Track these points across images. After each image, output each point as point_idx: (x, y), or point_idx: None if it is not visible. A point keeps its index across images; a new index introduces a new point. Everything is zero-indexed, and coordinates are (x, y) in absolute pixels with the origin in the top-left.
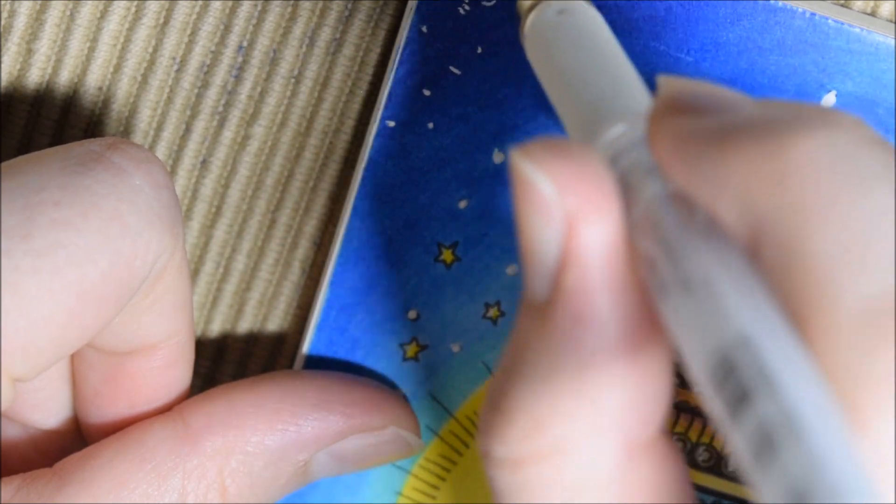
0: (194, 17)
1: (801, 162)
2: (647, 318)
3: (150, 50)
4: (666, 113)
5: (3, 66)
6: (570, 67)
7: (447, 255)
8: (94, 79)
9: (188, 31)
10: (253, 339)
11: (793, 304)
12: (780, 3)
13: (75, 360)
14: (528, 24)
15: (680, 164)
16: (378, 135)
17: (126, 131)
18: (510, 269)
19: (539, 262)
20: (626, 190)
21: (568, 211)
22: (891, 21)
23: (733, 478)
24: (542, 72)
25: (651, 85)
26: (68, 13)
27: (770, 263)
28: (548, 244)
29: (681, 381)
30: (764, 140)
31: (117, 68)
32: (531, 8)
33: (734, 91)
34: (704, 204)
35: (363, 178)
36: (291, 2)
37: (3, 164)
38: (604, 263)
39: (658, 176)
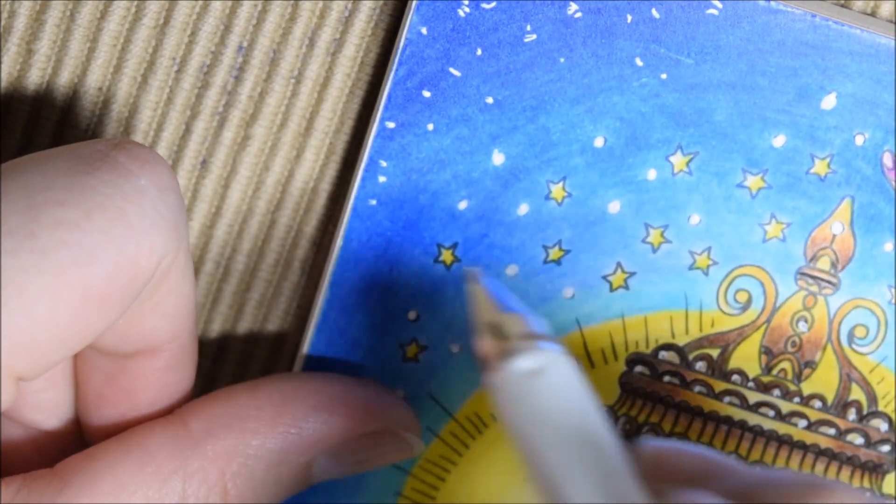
0: (194, 17)
1: None
2: None
3: (150, 50)
4: None
5: (3, 66)
6: (548, 447)
7: (447, 256)
8: (94, 79)
9: (188, 31)
10: (253, 340)
11: None
12: (781, 6)
13: (78, 362)
14: (494, 377)
15: None
16: (378, 136)
17: (126, 132)
18: (510, 270)
19: None
20: None
21: None
22: (891, 21)
23: None
24: (515, 438)
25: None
26: (68, 13)
27: None
28: None
29: (681, 381)
30: None
31: (117, 69)
32: (497, 357)
33: (729, 475)
34: None
35: (363, 180)
36: (291, 2)
37: (9, 163)
38: None
39: None
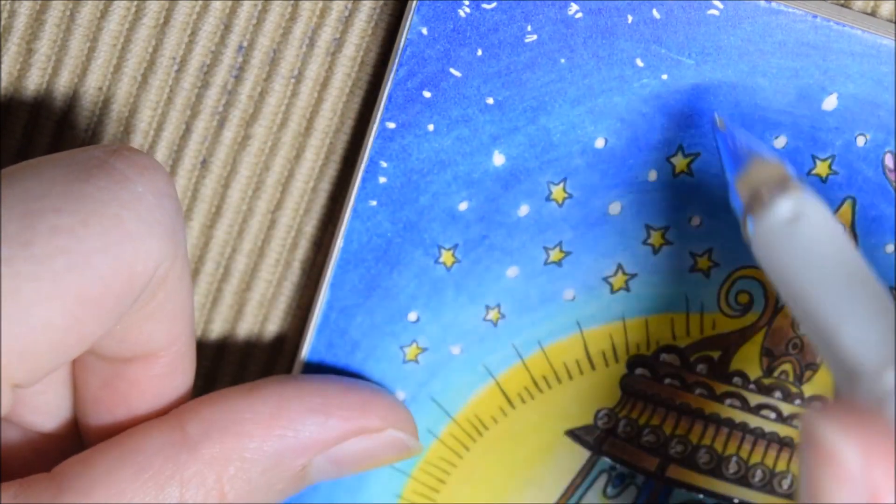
0: (194, 17)
1: None
2: None
3: (150, 50)
4: None
5: (3, 66)
6: (819, 293)
7: (447, 257)
8: (95, 79)
9: (188, 31)
10: (253, 340)
11: None
12: (782, 6)
13: (76, 366)
14: (756, 228)
15: None
16: (378, 137)
17: (126, 131)
18: (510, 272)
19: None
20: None
21: (873, 485)
22: (891, 21)
23: (733, 480)
24: (782, 288)
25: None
26: (68, 13)
27: None
28: None
29: (682, 383)
30: None
31: (117, 68)
32: (752, 200)
33: None
34: None
35: (363, 180)
36: (291, 2)
37: (6, 169)
38: None
39: None
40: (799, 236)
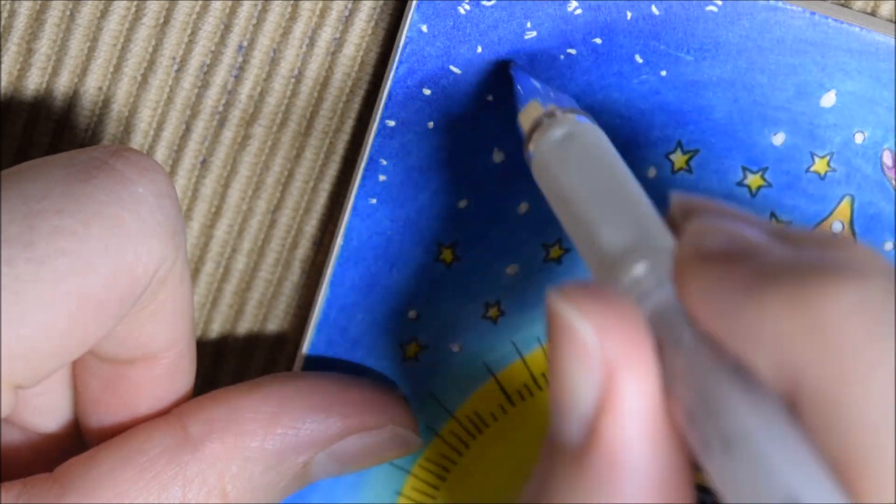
0: (194, 17)
1: (835, 316)
2: (682, 463)
3: (150, 50)
4: (692, 261)
5: (3, 66)
6: (582, 199)
7: (447, 255)
8: (94, 79)
9: (188, 31)
10: (253, 340)
11: (836, 462)
12: (780, 3)
13: (77, 367)
14: (533, 150)
15: (711, 313)
16: (378, 134)
17: (126, 131)
18: (510, 269)
19: (573, 406)
20: (657, 334)
21: (608, 359)
22: (891, 21)
23: None
24: (553, 200)
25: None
26: (68, 13)
27: (810, 418)
28: (584, 390)
29: None
30: (795, 292)
31: (117, 68)
32: (533, 129)
33: (755, 221)
34: (738, 353)
35: (363, 178)
36: (291, 2)
37: (6, 171)
38: (642, 412)
39: (687, 322)
40: (570, 152)
